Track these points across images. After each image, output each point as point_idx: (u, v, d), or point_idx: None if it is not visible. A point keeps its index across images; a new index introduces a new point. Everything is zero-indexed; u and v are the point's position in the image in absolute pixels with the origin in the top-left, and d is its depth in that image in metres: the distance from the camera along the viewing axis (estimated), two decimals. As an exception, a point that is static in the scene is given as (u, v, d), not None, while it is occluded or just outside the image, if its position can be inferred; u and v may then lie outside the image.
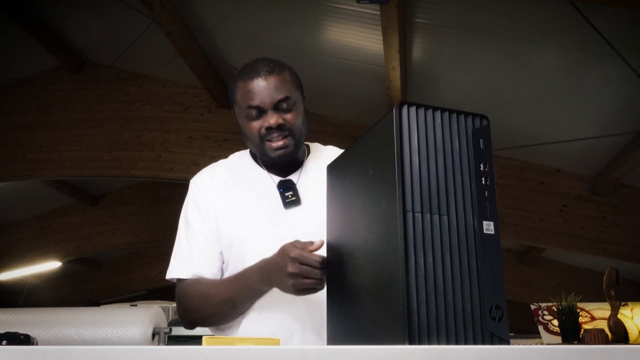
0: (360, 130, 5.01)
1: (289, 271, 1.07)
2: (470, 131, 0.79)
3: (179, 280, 1.35)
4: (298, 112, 1.34)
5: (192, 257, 1.34)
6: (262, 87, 1.29)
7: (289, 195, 1.33)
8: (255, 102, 1.29)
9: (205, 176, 1.42)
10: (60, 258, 7.68)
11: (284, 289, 1.12)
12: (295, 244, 1.10)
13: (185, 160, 5.26)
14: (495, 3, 3.52)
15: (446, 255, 0.73)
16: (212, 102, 5.39)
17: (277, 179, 1.38)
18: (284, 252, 1.11)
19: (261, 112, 1.30)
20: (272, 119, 1.29)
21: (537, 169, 4.96)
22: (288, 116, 1.31)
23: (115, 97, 5.60)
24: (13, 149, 5.54)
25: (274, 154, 1.31)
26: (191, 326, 1.36)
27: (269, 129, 1.29)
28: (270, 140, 1.31)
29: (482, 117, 0.81)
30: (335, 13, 4.02)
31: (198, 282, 1.32)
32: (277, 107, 1.30)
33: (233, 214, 1.34)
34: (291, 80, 1.34)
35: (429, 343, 0.69)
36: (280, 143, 1.30)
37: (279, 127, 1.29)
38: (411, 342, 0.68)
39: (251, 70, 1.33)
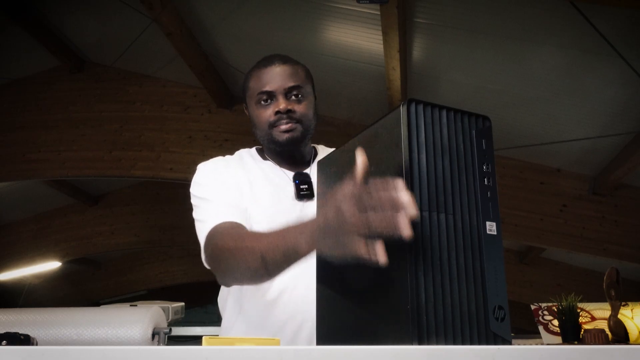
0: (360, 131, 4.99)
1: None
2: (473, 131, 0.79)
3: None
4: (308, 104, 1.36)
5: (220, 209, 1.26)
6: (274, 74, 1.34)
7: (304, 188, 1.34)
8: (267, 88, 1.33)
9: (218, 160, 1.41)
10: (60, 258, 7.67)
11: (338, 241, 0.74)
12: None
13: (185, 160, 5.26)
14: (495, 3, 3.52)
15: (452, 255, 0.73)
16: (212, 102, 5.39)
17: (289, 172, 1.39)
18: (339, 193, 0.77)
19: (271, 98, 1.34)
20: (282, 105, 1.32)
21: (537, 169, 4.96)
22: (298, 106, 1.34)
23: (115, 97, 5.60)
24: (13, 149, 5.54)
25: (281, 138, 1.33)
26: (217, 271, 1.19)
27: (278, 113, 1.32)
28: (278, 126, 1.33)
29: (485, 118, 0.81)
30: (335, 13, 4.02)
31: (235, 225, 1.21)
32: (287, 95, 1.33)
33: (249, 200, 1.32)
34: (304, 74, 1.38)
35: (437, 343, 0.69)
36: (288, 126, 1.32)
37: (288, 113, 1.32)
38: (420, 342, 0.68)
39: (265, 60, 1.38)
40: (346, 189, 0.73)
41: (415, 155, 0.74)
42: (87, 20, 4.92)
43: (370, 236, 0.69)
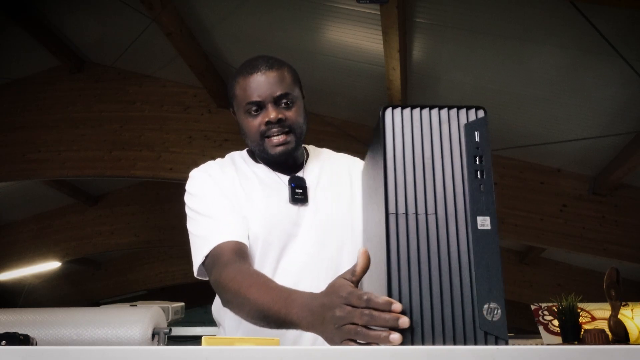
0: (360, 130, 5.01)
1: (336, 315, 0.80)
2: (462, 124, 0.77)
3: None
4: (298, 110, 1.33)
5: (219, 227, 1.24)
6: (261, 82, 1.29)
7: (299, 192, 1.33)
8: (255, 97, 1.29)
9: (211, 167, 1.39)
10: (60, 258, 7.67)
11: (327, 336, 0.84)
12: (345, 276, 0.84)
13: (185, 160, 5.26)
14: (495, 3, 3.52)
15: (434, 254, 0.72)
16: (212, 102, 5.39)
17: (283, 176, 1.37)
18: (333, 290, 0.84)
19: (261, 107, 1.30)
20: (272, 114, 1.28)
21: (537, 169, 4.96)
22: (288, 113, 1.30)
23: (115, 97, 5.60)
24: (13, 149, 5.54)
25: (273, 151, 1.30)
26: (220, 297, 1.22)
27: (269, 123, 1.29)
28: (270, 137, 1.30)
29: (479, 108, 0.78)
30: (335, 13, 4.02)
31: (238, 250, 1.20)
32: (276, 103, 1.30)
33: (245, 204, 1.31)
34: (291, 77, 1.34)
35: (426, 343, 0.69)
36: (280, 139, 1.29)
37: (279, 122, 1.29)
38: (414, 342, 0.69)
39: (250, 66, 1.33)
40: (346, 290, 0.80)
41: (390, 161, 0.74)
42: (87, 20, 4.93)
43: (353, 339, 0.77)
